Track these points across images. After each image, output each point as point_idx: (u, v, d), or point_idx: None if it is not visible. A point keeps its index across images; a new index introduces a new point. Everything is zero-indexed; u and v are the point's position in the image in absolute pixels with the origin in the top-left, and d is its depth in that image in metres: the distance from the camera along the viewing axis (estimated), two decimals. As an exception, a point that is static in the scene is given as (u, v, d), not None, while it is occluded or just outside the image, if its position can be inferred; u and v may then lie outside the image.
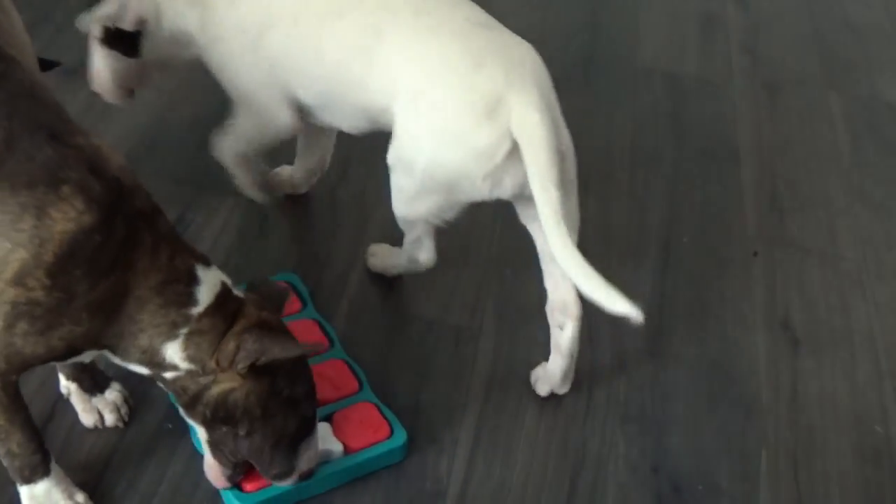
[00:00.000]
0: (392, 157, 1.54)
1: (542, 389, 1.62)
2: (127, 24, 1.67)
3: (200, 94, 2.13)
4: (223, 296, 1.24)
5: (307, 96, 1.60)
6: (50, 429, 1.41)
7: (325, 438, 1.41)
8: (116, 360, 1.24)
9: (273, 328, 1.26)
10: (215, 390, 1.23)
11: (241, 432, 1.26)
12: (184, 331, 1.20)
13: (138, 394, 1.48)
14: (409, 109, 1.48)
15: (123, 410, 1.45)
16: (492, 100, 1.42)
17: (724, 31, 2.67)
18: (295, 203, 1.91)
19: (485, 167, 1.44)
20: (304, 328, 1.57)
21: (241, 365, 1.21)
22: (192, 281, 1.21)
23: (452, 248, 1.83)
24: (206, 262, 1.25)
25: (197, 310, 1.21)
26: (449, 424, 1.55)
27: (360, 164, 2.01)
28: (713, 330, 1.80)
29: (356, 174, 2.00)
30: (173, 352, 1.21)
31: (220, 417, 1.25)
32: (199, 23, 1.63)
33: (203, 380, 1.23)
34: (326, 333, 1.60)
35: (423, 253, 1.69)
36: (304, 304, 1.64)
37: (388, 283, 1.77)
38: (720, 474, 1.55)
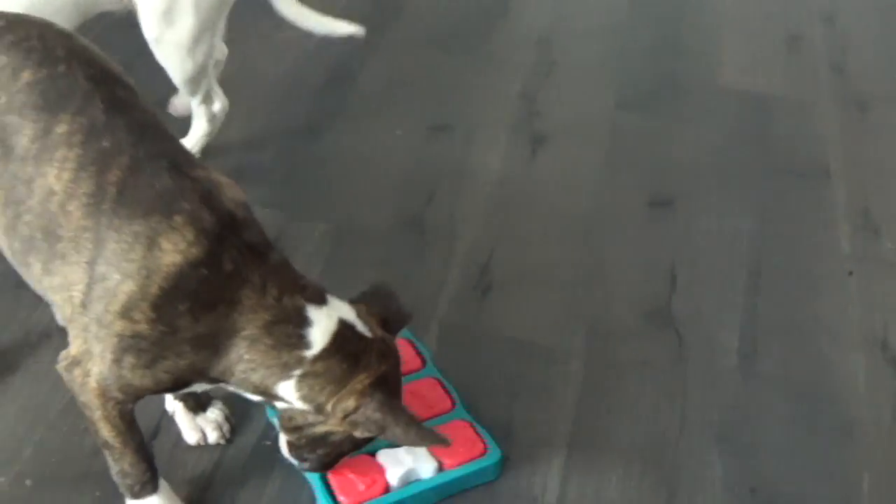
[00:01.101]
0: (152, 24, 1.72)
1: None
2: None
3: (291, 121, 2.19)
4: (341, 336, 1.20)
5: None
6: (156, 445, 1.45)
7: (421, 456, 1.42)
8: (229, 389, 1.25)
9: (391, 385, 1.24)
10: (320, 429, 1.25)
11: (323, 452, 1.30)
12: (297, 372, 1.18)
13: (238, 412, 1.51)
14: None
15: (225, 428, 1.48)
16: None
17: (811, 49, 2.64)
18: (382, 226, 1.93)
19: None
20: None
21: (359, 432, 1.22)
22: (303, 322, 1.18)
23: (542, 268, 1.84)
24: (321, 300, 1.21)
25: (311, 352, 1.18)
26: (542, 443, 1.55)
27: (446, 188, 2.04)
28: (808, 351, 1.77)
29: (442, 197, 2.02)
30: (286, 391, 1.20)
31: (312, 445, 1.28)
32: None
33: (312, 418, 1.23)
34: (419, 353, 1.61)
35: (217, 102, 1.92)
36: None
37: (478, 304, 1.79)
38: (820, 498, 1.52)
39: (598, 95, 2.38)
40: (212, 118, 1.94)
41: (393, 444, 1.40)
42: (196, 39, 1.77)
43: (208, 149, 2.02)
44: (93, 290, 1.13)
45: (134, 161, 1.15)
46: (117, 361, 1.15)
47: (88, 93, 1.19)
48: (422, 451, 1.43)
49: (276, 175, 2.04)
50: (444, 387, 1.56)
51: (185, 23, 1.74)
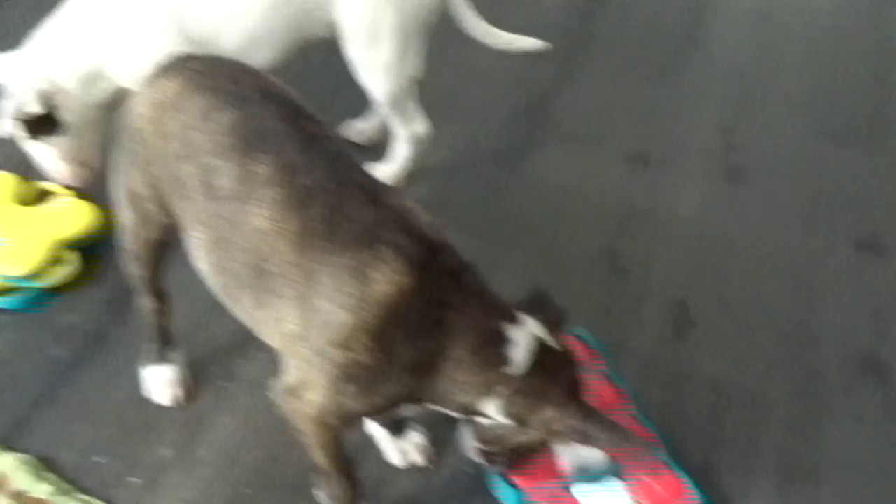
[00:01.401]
0: (356, 46, 1.80)
1: None
2: (35, 107, 1.72)
3: (487, 147, 2.23)
4: (537, 351, 1.25)
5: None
6: (362, 467, 1.51)
7: (620, 496, 1.43)
8: (434, 408, 1.29)
9: (581, 392, 1.27)
10: (517, 439, 1.28)
11: (516, 455, 1.34)
12: (501, 390, 1.22)
13: (438, 439, 1.56)
14: None
15: (428, 452, 1.53)
16: None
17: None
18: (577, 257, 1.95)
19: None
20: (600, 386, 1.58)
21: (559, 440, 1.25)
22: (505, 341, 1.22)
23: (742, 308, 1.81)
24: (516, 319, 1.26)
25: (513, 370, 1.22)
26: (742, 490, 1.53)
27: (642, 220, 2.04)
28: None
29: (638, 229, 2.02)
30: (491, 407, 1.24)
31: (508, 451, 1.32)
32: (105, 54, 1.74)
33: (512, 430, 1.27)
34: (617, 385, 1.62)
35: (419, 124, 1.97)
36: (601, 358, 1.66)
37: (675, 342, 1.78)
38: None
39: (801, 129, 2.32)
40: (414, 140, 2.00)
41: (589, 479, 1.42)
42: (399, 59, 1.84)
43: (409, 175, 2.09)
44: (309, 322, 1.18)
45: (335, 196, 1.19)
46: (336, 389, 1.20)
47: (283, 132, 1.23)
48: (621, 492, 1.43)
49: (473, 201, 2.08)
50: (642, 424, 1.56)
51: (387, 44, 1.82)
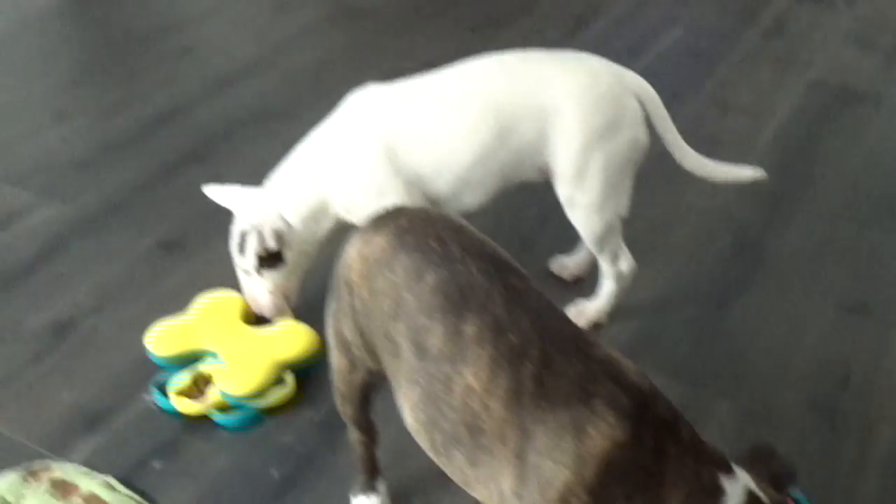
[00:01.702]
0: (565, 186, 1.85)
1: None
2: (271, 244, 1.88)
3: (695, 287, 2.20)
4: None
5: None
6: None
7: None
8: None
9: None
10: None
11: None
12: None
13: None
14: (567, 135, 1.80)
15: None
16: (618, 81, 1.83)
17: None
18: (791, 410, 1.87)
19: (643, 128, 1.86)
20: None
21: None
22: (719, 492, 1.19)
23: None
24: (729, 469, 1.22)
25: None
26: None
27: (863, 375, 1.94)
28: None
29: (859, 385, 1.92)
30: None
31: None
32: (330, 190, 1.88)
33: None
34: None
35: (624, 261, 1.99)
36: None
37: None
38: None
39: None
40: (620, 277, 2.01)
41: None
42: (607, 199, 1.88)
43: (614, 313, 2.09)
44: (524, 479, 1.18)
45: (543, 352, 1.19)
46: None
47: (487, 289, 1.25)
48: None
49: (680, 344, 2.05)
50: None
51: (597, 184, 1.86)
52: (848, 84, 3.07)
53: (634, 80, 1.87)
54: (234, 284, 2.11)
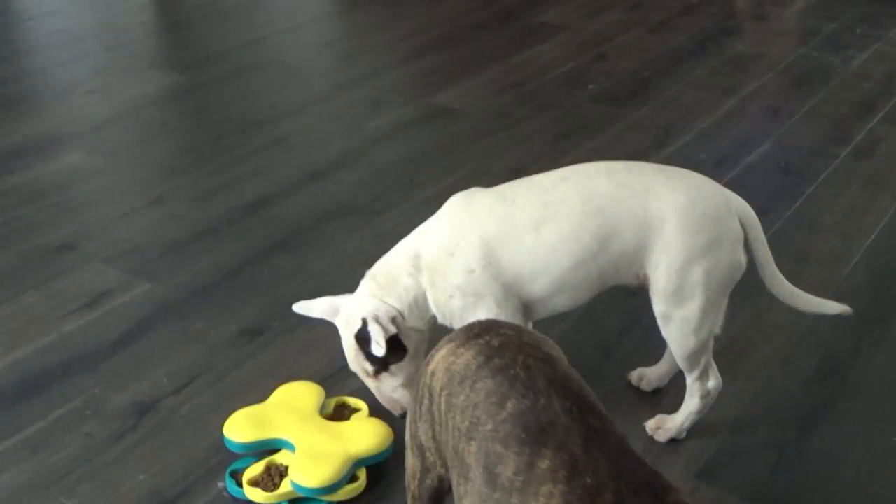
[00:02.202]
0: (662, 302, 1.85)
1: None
2: (391, 329, 1.84)
3: (778, 408, 2.14)
4: None
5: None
6: None
7: None
8: None
9: None
10: None
11: None
12: None
13: None
14: (669, 249, 1.80)
15: None
16: (723, 201, 1.84)
17: None
18: None
19: (742, 250, 1.86)
20: None
21: None
22: None
23: None
24: None
25: None
26: None
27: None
28: None
29: None
30: None
31: None
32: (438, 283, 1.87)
33: None
34: None
35: (712, 379, 1.97)
36: None
37: None
38: None
39: None
40: (705, 395, 1.98)
41: None
42: (703, 318, 1.86)
43: (698, 422, 2.04)
44: None
45: (617, 495, 1.16)
46: None
47: (568, 427, 1.22)
48: None
49: (760, 466, 1.99)
50: None
51: (695, 302, 1.84)
52: (941, 208, 3.02)
53: (738, 202, 1.88)
54: (312, 375, 2.13)
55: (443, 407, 1.34)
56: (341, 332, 1.92)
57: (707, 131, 3.56)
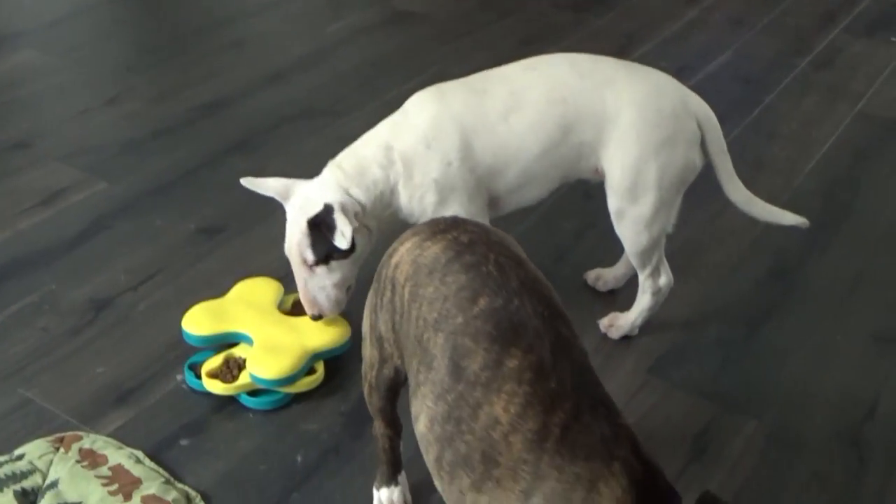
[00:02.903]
0: (616, 197, 1.86)
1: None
2: (353, 222, 1.76)
3: (728, 308, 2.20)
4: None
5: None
6: None
7: None
8: None
9: None
10: None
11: None
12: None
13: None
14: (624, 143, 1.82)
15: None
16: (682, 100, 1.85)
17: None
18: (816, 436, 1.86)
19: (698, 151, 1.88)
20: None
21: None
22: None
23: None
24: None
25: None
26: None
27: (891, 406, 1.93)
28: None
29: (886, 415, 1.91)
30: None
31: None
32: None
33: None
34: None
35: (664, 276, 2.00)
36: None
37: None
38: None
39: None
40: (657, 291, 2.02)
41: None
42: (655, 214, 1.89)
43: (650, 320, 2.09)
44: None
45: (576, 406, 1.19)
46: None
47: (538, 330, 1.23)
48: None
49: (710, 362, 2.05)
50: None
51: (648, 199, 1.87)
52: (895, 118, 3.05)
53: (697, 103, 1.88)
54: (271, 272, 2.14)
55: (406, 297, 1.35)
56: (290, 214, 1.84)
57: (670, 40, 3.56)
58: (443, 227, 1.39)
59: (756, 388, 1.98)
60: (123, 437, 1.82)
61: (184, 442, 1.82)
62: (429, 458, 1.29)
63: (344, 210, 1.76)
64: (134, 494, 1.68)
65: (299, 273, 1.86)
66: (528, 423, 1.17)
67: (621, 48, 3.46)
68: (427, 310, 1.30)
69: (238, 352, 1.93)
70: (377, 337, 1.45)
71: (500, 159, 1.84)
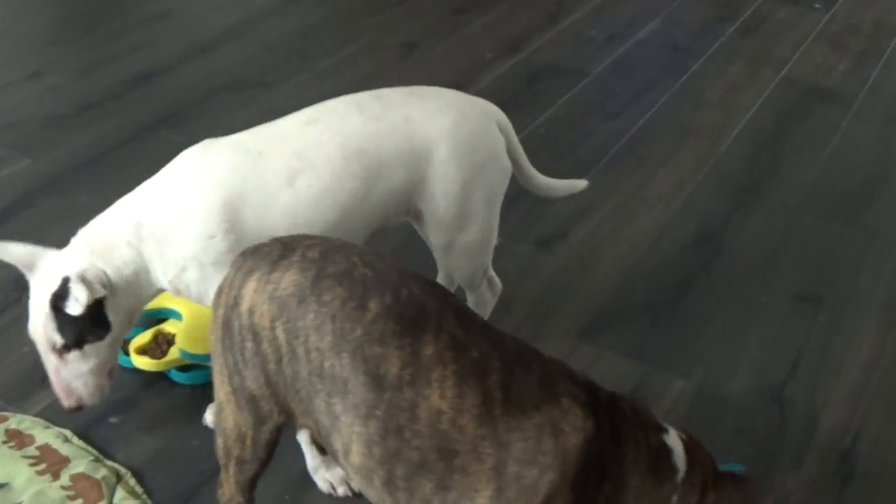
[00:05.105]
0: (442, 232, 1.72)
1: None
2: (98, 291, 1.52)
3: (657, 273, 2.24)
4: (687, 452, 1.27)
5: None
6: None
7: None
8: None
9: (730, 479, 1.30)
10: None
11: None
12: (675, 498, 1.24)
13: None
14: (444, 178, 1.67)
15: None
16: (482, 113, 1.73)
17: None
18: (741, 393, 1.91)
19: (506, 155, 1.76)
20: None
21: None
22: (667, 452, 1.25)
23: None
24: (662, 427, 1.28)
25: (680, 476, 1.24)
26: None
27: (811, 362, 1.99)
28: None
29: (806, 372, 1.97)
30: None
31: None
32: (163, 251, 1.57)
33: None
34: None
35: (497, 281, 1.93)
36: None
37: (836, 494, 1.71)
38: None
39: None
40: (496, 295, 1.95)
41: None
42: (487, 235, 1.77)
43: (580, 286, 2.12)
44: (504, 491, 1.17)
45: (503, 364, 1.19)
46: None
47: (439, 309, 1.21)
48: None
49: (638, 325, 2.09)
50: None
51: (477, 222, 1.74)
52: (819, 83, 3.12)
53: (493, 109, 1.76)
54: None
55: (282, 338, 1.23)
56: (34, 290, 1.58)
57: (599, 8, 3.58)
58: (279, 253, 1.27)
59: (683, 348, 2.03)
60: (51, 416, 1.80)
61: (113, 419, 1.80)
62: (376, 487, 1.23)
63: (83, 278, 1.51)
64: (62, 473, 1.66)
65: (49, 359, 1.58)
66: (469, 399, 1.17)
67: (552, 16, 3.47)
68: (317, 338, 1.20)
69: (167, 328, 1.92)
70: (247, 399, 1.30)
71: (284, 229, 1.56)
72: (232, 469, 1.40)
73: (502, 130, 1.76)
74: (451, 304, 1.24)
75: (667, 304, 2.15)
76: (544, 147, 2.66)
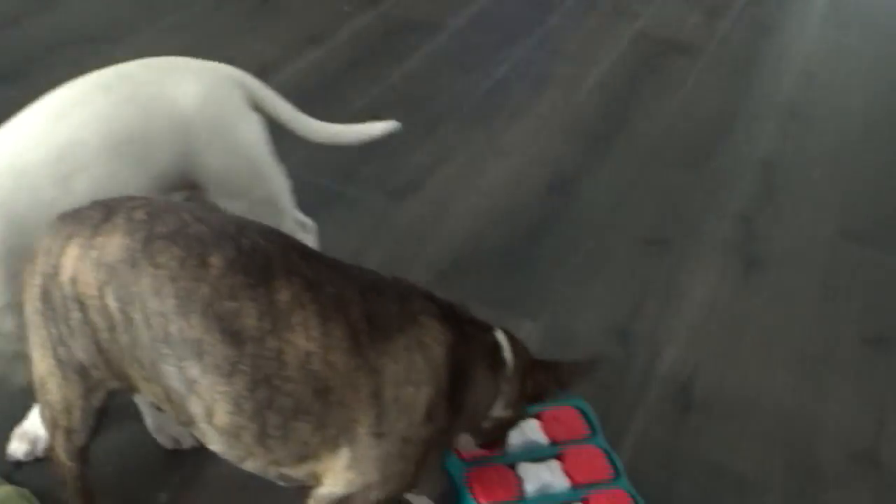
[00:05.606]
0: (233, 197, 1.65)
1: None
2: None
3: (512, 221, 2.28)
4: (512, 347, 1.37)
5: None
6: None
7: (556, 474, 1.57)
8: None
9: (545, 360, 1.41)
10: (501, 419, 1.39)
11: (497, 433, 1.44)
12: (505, 388, 1.34)
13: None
14: (211, 150, 1.60)
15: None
16: (219, 76, 1.64)
17: None
18: (587, 333, 1.97)
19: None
20: (591, 455, 1.61)
21: (550, 396, 1.39)
22: (499, 348, 1.35)
23: (746, 394, 1.81)
24: (490, 327, 1.36)
25: (510, 368, 1.34)
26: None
27: (655, 301, 2.06)
28: None
29: (650, 310, 2.04)
30: (498, 408, 1.36)
31: (490, 433, 1.42)
32: None
33: (502, 415, 1.38)
34: (612, 463, 1.63)
35: (308, 226, 1.88)
36: (593, 430, 1.69)
37: (676, 422, 1.78)
38: None
39: (821, 222, 2.34)
40: (314, 232, 1.96)
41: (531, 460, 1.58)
42: (277, 187, 1.73)
43: (435, 236, 2.14)
44: (385, 415, 1.19)
45: (359, 294, 1.21)
46: (421, 465, 1.26)
47: (283, 253, 1.20)
48: (557, 470, 1.57)
49: (492, 271, 2.12)
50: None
51: (261, 178, 1.70)
52: (670, 37, 3.21)
53: (229, 71, 1.69)
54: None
55: (113, 306, 1.18)
56: None
57: (459, -37, 3.59)
58: (101, 216, 1.21)
59: (534, 292, 2.07)
60: None
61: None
62: (244, 442, 1.20)
63: None
64: None
65: None
66: (335, 334, 1.17)
67: (411, -29, 3.46)
68: (157, 302, 1.15)
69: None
70: (75, 369, 1.25)
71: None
72: (60, 439, 1.35)
73: (255, 90, 1.69)
74: (294, 247, 1.23)
75: (520, 251, 2.19)
76: (400, 101, 2.66)
